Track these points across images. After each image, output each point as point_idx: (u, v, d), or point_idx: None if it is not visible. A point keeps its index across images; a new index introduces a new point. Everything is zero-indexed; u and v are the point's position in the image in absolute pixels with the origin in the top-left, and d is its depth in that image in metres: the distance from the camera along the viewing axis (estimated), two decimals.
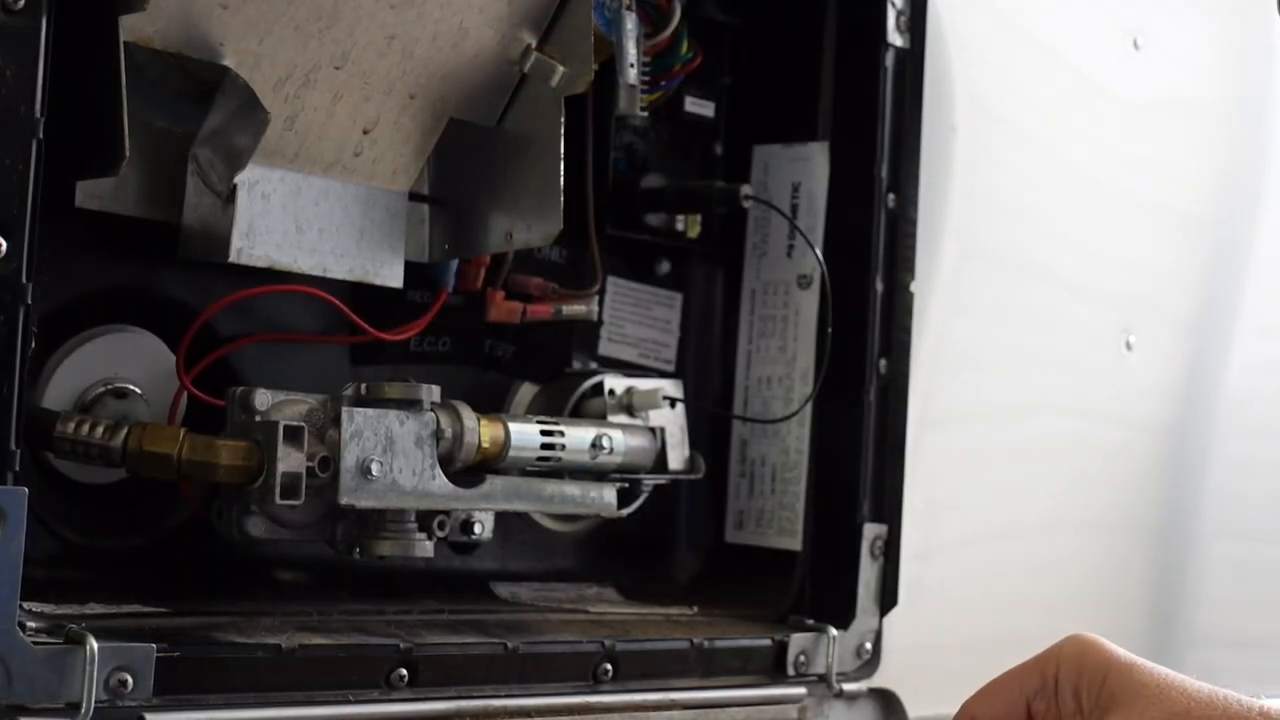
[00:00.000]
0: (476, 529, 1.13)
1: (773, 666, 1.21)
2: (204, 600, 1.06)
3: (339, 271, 1.09)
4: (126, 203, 1.03)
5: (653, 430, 1.20)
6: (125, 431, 0.99)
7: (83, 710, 0.88)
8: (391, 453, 1.03)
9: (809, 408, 1.27)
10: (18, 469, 0.86)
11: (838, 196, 1.28)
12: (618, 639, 1.12)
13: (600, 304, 1.25)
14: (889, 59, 1.25)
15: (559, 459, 1.13)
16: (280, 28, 1.01)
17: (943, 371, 1.35)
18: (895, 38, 1.26)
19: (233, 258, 1.03)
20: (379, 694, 1.01)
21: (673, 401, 1.23)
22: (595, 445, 1.15)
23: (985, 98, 1.36)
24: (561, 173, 1.09)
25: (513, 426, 1.11)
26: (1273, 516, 1.70)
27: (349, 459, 1.01)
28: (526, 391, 1.24)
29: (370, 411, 1.03)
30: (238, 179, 1.03)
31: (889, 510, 1.26)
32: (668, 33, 1.19)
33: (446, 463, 1.06)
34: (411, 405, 1.05)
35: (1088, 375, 1.51)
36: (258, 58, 1.01)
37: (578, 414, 1.22)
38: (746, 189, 1.24)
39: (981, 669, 1.43)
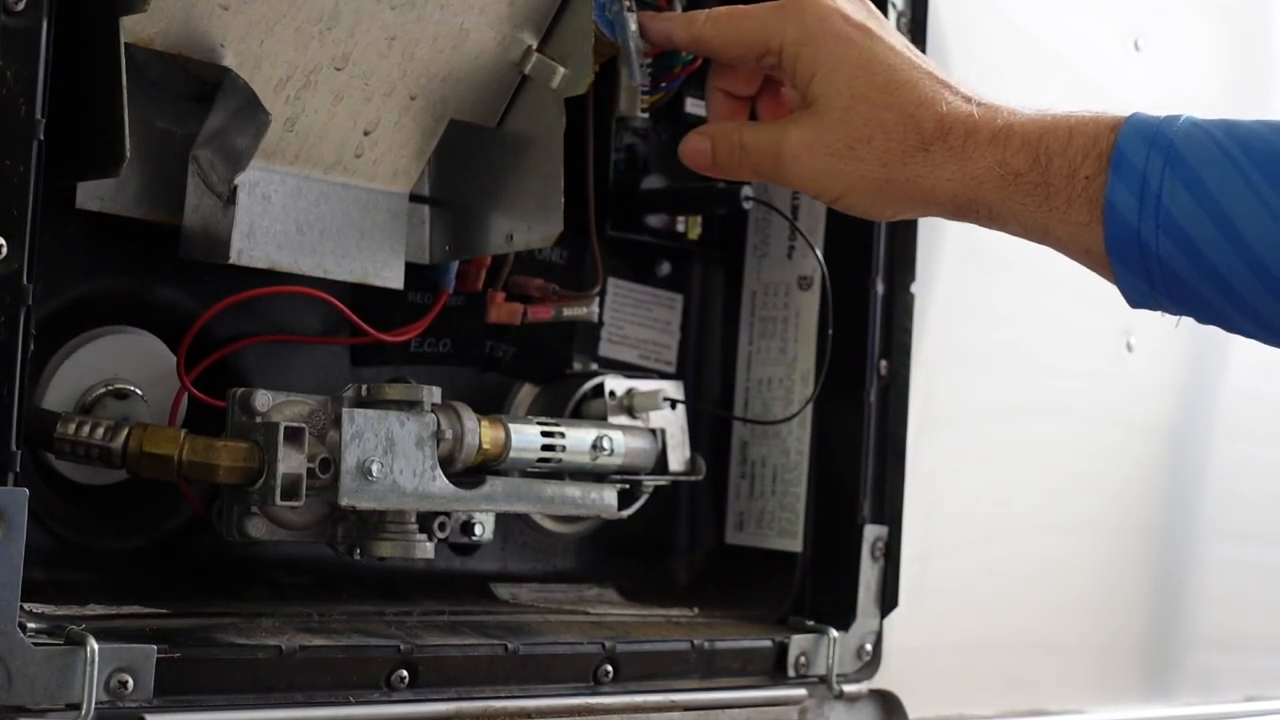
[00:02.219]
0: (477, 530, 1.14)
1: (773, 668, 1.21)
2: (204, 601, 1.06)
3: (339, 272, 1.09)
4: (127, 204, 1.03)
5: (653, 432, 1.20)
6: (125, 433, 0.99)
7: (83, 711, 0.88)
8: (392, 454, 1.03)
9: (809, 409, 1.27)
10: (18, 470, 0.86)
11: None
12: (618, 640, 1.12)
13: (601, 305, 1.25)
14: None
15: (559, 460, 1.13)
16: (281, 29, 1.01)
17: (943, 372, 1.35)
18: None
19: (233, 259, 1.03)
20: (379, 695, 1.01)
21: (673, 403, 1.23)
22: (596, 447, 1.15)
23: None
24: (562, 174, 1.09)
25: (513, 428, 1.11)
26: (1272, 518, 1.70)
27: (349, 460, 1.01)
28: (527, 393, 1.24)
29: (371, 413, 1.03)
30: (238, 180, 1.03)
31: (890, 511, 1.26)
32: None
33: (447, 464, 1.06)
34: (412, 406, 1.05)
35: (1088, 376, 1.51)
36: (258, 59, 1.01)
37: (578, 415, 1.22)
38: (747, 190, 1.24)
39: (982, 670, 1.44)
